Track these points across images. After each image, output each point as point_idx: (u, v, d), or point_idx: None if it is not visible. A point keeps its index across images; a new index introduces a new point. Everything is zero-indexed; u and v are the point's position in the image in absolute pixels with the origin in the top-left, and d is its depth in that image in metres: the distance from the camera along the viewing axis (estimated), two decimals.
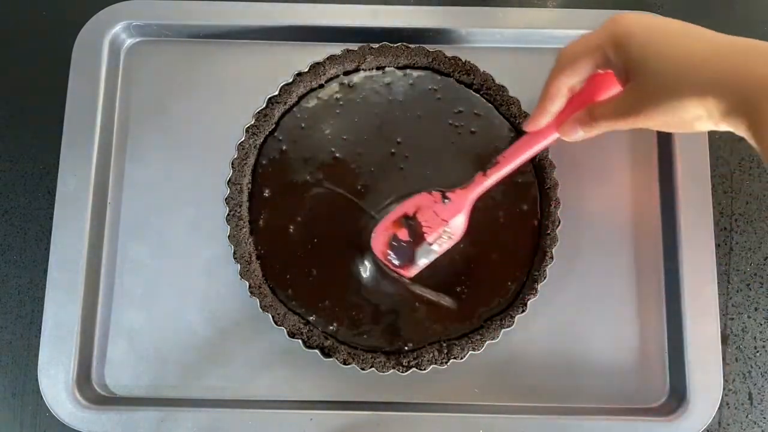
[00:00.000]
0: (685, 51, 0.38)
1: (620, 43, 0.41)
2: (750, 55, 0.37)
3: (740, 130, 0.37)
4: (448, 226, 0.50)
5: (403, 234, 0.50)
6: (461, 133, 0.55)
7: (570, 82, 0.45)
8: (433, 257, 0.51)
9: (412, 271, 0.51)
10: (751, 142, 0.37)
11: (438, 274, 0.52)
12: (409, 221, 0.51)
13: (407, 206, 0.51)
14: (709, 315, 0.53)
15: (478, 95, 0.56)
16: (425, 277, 0.52)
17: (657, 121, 0.40)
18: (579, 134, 0.46)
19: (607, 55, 0.42)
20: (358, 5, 0.58)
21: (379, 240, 0.51)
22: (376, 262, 0.52)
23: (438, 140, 0.55)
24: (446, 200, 0.51)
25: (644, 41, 0.40)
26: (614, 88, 0.46)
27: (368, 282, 0.52)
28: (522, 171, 0.54)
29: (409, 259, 0.51)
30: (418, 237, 0.50)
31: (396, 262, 0.51)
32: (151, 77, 0.58)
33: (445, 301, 0.52)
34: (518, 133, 0.55)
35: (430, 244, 0.50)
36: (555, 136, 0.48)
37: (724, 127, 0.38)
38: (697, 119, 0.38)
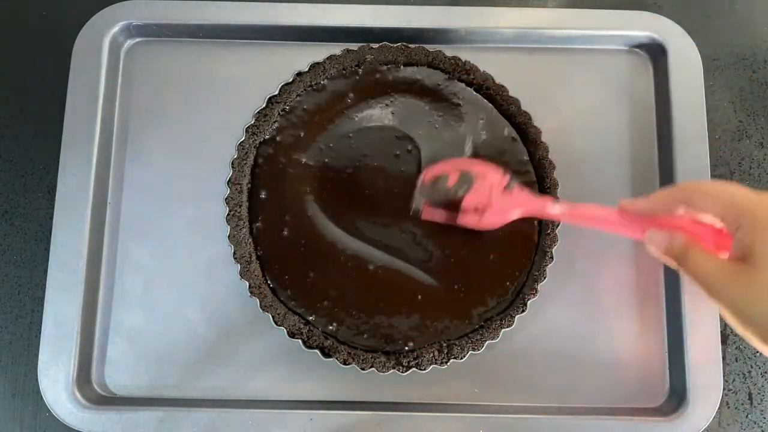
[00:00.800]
0: None
1: (760, 229, 0.37)
2: None
3: None
4: (485, 212, 0.49)
5: (452, 181, 0.49)
6: (467, 131, 0.55)
7: (690, 206, 0.42)
8: (442, 217, 0.51)
9: (426, 212, 0.51)
10: None
11: (438, 274, 0.52)
12: (467, 177, 0.49)
13: (477, 165, 0.50)
14: (709, 315, 0.53)
15: (478, 95, 0.56)
16: (425, 275, 0.52)
17: (743, 322, 0.38)
18: (656, 253, 0.44)
19: (740, 225, 0.39)
20: (358, 5, 0.58)
21: (427, 174, 0.51)
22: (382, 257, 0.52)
23: (447, 144, 0.55)
24: (509, 188, 0.49)
25: None
26: (722, 252, 0.43)
27: (370, 276, 0.52)
28: (522, 171, 0.54)
29: (431, 201, 0.50)
30: (457, 198, 0.49)
31: (420, 196, 0.51)
32: (151, 77, 0.59)
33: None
34: (519, 133, 0.55)
35: (455, 215, 0.50)
36: (633, 233, 0.46)
37: None
38: None
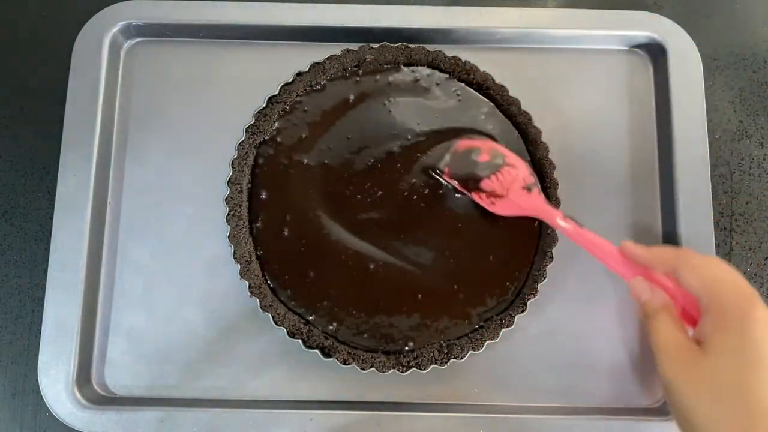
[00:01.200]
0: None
1: (723, 324, 0.38)
2: None
3: None
4: (498, 199, 0.50)
5: (483, 158, 0.50)
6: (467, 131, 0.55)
7: (677, 276, 0.42)
8: (452, 189, 0.52)
9: (446, 174, 0.52)
10: None
11: (438, 274, 0.52)
12: (497, 160, 0.50)
13: (511, 155, 0.51)
14: None
15: (479, 94, 0.56)
16: (425, 275, 0.52)
17: (672, 404, 0.39)
18: (634, 296, 0.44)
19: (709, 310, 0.39)
20: (358, 5, 0.58)
21: (463, 142, 0.52)
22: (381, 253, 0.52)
23: (444, 140, 0.54)
24: (529, 188, 0.50)
25: (749, 344, 0.37)
26: (693, 327, 0.43)
27: (371, 274, 0.52)
28: None
29: (454, 169, 0.52)
30: (480, 175, 0.50)
31: (449, 159, 0.52)
32: (151, 77, 0.59)
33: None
34: (519, 133, 0.55)
35: (471, 190, 0.51)
36: (624, 273, 0.46)
37: None
38: None
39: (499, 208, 0.51)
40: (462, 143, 0.52)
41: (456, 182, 0.52)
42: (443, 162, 0.52)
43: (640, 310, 0.44)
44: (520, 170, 0.50)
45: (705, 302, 0.40)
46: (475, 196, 0.51)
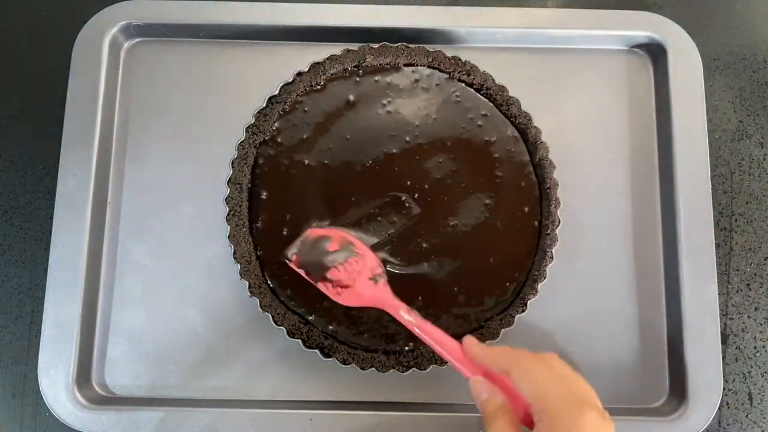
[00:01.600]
0: None
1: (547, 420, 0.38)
2: None
3: None
4: (344, 289, 0.49)
5: (332, 247, 0.50)
6: (468, 132, 0.55)
7: (510, 378, 0.41)
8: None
9: (293, 263, 0.51)
10: None
11: (438, 274, 0.52)
12: (347, 249, 0.50)
13: (360, 245, 0.50)
14: (709, 315, 0.53)
15: (478, 95, 0.56)
16: (425, 275, 0.52)
17: None
18: (473, 395, 0.43)
19: (540, 419, 0.39)
20: (358, 5, 0.58)
21: (314, 231, 0.51)
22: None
23: (444, 140, 0.55)
24: (376, 280, 0.49)
25: None
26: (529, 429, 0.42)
27: None
28: (522, 172, 0.54)
29: (302, 257, 0.50)
30: (328, 264, 0.49)
31: (296, 248, 0.51)
32: (151, 77, 0.59)
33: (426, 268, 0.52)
34: (519, 133, 0.55)
35: (317, 279, 0.49)
36: (465, 370, 0.44)
37: None
38: None
39: (345, 298, 0.50)
40: (312, 232, 0.51)
41: (302, 271, 0.50)
42: (291, 250, 0.51)
43: (480, 410, 0.42)
44: (369, 260, 0.50)
45: (537, 408, 0.39)
46: (320, 285, 0.50)
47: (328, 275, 0.49)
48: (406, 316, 0.47)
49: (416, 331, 0.46)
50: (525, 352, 0.42)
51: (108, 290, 0.55)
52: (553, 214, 0.53)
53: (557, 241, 0.53)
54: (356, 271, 0.50)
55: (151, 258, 0.55)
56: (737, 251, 0.57)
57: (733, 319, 0.56)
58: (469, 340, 0.44)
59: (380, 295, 0.49)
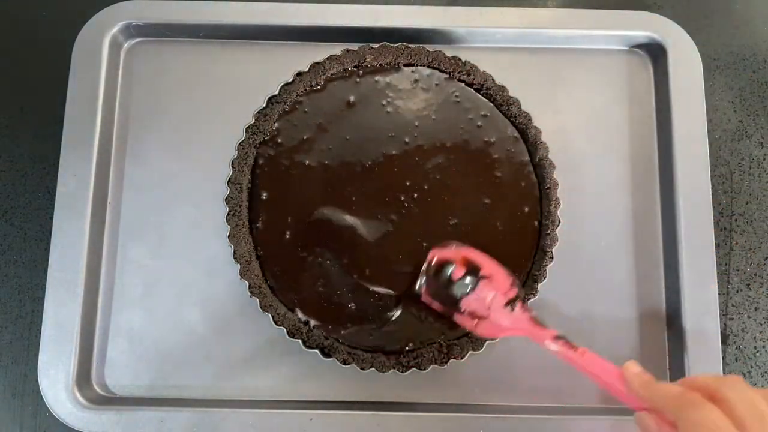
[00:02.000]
0: None
1: None
2: None
3: None
4: (480, 322, 0.45)
5: (457, 274, 0.46)
6: (468, 132, 0.55)
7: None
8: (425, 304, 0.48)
9: (425, 297, 0.49)
10: None
11: None
12: (473, 274, 0.45)
13: (488, 265, 0.46)
14: (709, 315, 0.53)
15: (478, 95, 0.56)
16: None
17: None
18: (640, 429, 0.40)
19: None
20: (358, 5, 0.58)
21: (434, 254, 0.48)
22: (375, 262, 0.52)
23: (444, 140, 0.55)
24: (512, 305, 0.45)
25: None
26: None
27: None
28: (522, 172, 0.54)
29: (430, 288, 0.48)
30: (456, 296, 0.46)
31: (423, 278, 0.49)
32: (151, 77, 0.59)
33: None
34: (519, 134, 0.55)
35: (451, 311, 0.46)
36: (626, 400, 0.41)
37: None
38: None
39: (483, 331, 0.46)
40: (433, 257, 0.48)
41: (436, 305, 0.48)
42: (418, 284, 0.49)
43: None
44: (500, 283, 0.46)
45: None
46: (457, 318, 0.47)
47: (461, 307, 0.46)
48: (552, 346, 0.43)
49: (569, 361, 0.42)
50: (694, 399, 0.36)
51: (108, 290, 0.55)
52: (553, 214, 0.53)
53: (557, 241, 0.53)
54: (489, 297, 0.45)
55: (151, 258, 0.55)
56: (737, 251, 0.57)
57: (733, 319, 0.56)
58: (630, 370, 0.40)
59: (520, 324, 0.45)
